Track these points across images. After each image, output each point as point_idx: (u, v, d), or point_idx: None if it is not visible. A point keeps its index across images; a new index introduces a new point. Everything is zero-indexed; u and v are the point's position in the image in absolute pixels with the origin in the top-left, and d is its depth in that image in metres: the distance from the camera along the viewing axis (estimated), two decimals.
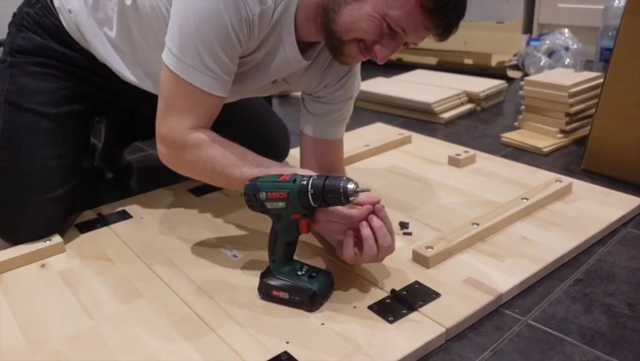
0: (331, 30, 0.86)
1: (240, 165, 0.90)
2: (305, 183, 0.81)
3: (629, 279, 0.95)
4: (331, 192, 0.80)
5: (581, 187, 1.24)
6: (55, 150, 1.08)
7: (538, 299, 0.91)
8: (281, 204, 0.83)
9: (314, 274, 0.87)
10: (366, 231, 0.83)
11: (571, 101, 1.49)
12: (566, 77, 1.58)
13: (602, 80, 1.51)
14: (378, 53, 0.85)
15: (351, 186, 0.80)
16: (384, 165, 1.41)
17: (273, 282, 0.87)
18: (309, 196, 0.81)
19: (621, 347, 0.80)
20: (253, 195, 0.85)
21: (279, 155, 1.40)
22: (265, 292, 0.88)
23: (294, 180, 0.82)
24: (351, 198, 0.80)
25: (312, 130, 1.05)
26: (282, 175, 0.84)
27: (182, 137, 0.90)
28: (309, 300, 0.85)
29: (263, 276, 0.88)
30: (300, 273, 0.87)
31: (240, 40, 0.86)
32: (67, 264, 1.02)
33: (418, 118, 1.84)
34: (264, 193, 0.84)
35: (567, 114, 1.52)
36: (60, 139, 1.09)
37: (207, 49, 0.85)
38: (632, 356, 0.78)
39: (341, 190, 0.79)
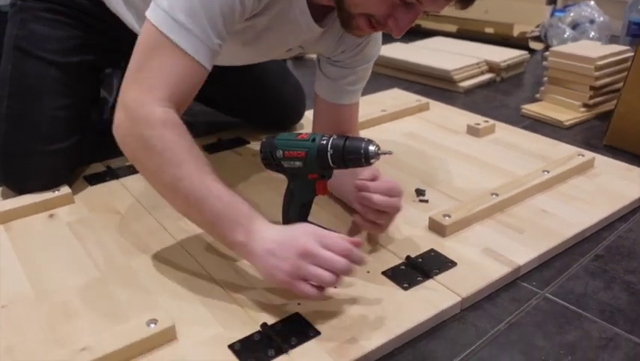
0: (340, 1, 0.78)
1: (202, 172, 0.74)
2: (324, 142, 0.78)
3: None
4: (352, 153, 0.77)
5: (603, 162, 1.20)
6: (62, 100, 1.04)
7: (556, 273, 0.88)
8: (298, 164, 0.80)
9: None
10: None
11: (597, 74, 1.44)
12: (593, 49, 1.52)
13: (630, 55, 1.47)
14: (394, 28, 0.77)
15: (372, 148, 0.77)
16: (401, 131, 1.37)
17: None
18: (329, 156, 0.78)
19: None
20: (270, 152, 0.82)
21: (294, 117, 1.37)
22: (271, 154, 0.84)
23: (313, 140, 0.79)
24: (372, 161, 0.77)
25: (327, 93, 1.01)
26: (300, 134, 0.81)
27: (151, 107, 0.73)
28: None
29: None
30: None
31: (244, 4, 0.76)
32: (76, 215, 1.01)
33: (436, 86, 1.80)
34: (281, 151, 0.81)
35: (592, 88, 1.47)
36: (68, 90, 1.05)
37: (205, 7, 0.73)
38: None
39: (362, 151, 0.76)
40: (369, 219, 0.85)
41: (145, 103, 0.73)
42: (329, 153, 0.78)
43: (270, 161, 0.82)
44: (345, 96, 1.01)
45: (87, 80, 1.11)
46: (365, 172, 0.84)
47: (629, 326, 0.78)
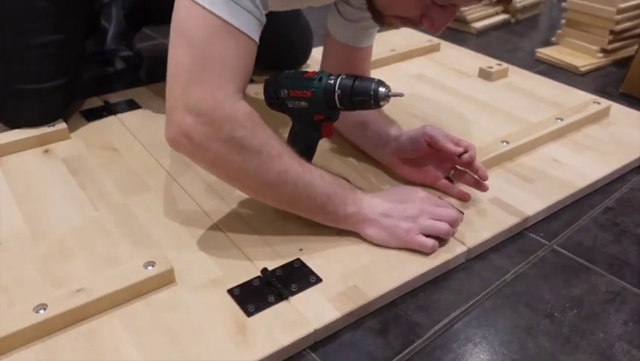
0: (370, 1, 0.75)
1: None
2: (332, 82, 0.74)
3: None
4: (360, 94, 0.73)
5: (619, 111, 1.16)
6: (53, 36, 0.99)
7: (565, 225, 0.86)
8: (303, 104, 0.76)
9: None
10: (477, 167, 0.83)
11: (618, 17, 1.37)
12: None
13: None
14: (430, 27, 0.73)
15: (382, 89, 0.72)
16: (410, 72, 1.32)
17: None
18: (336, 97, 0.74)
19: None
20: (273, 91, 0.78)
21: (299, 59, 1.31)
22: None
23: (320, 79, 0.75)
24: (381, 103, 0.73)
25: (341, 34, 0.94)
26: (306, 72, 0.77)
27: (231, 104, 0.65)
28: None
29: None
30: None
31: None
32: (72, 151, 0.98)
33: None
34: (286, 90, 0.76)
35: (611, 32, 1.40)
36: (58, 24, 0.99)
37: None
38: None
39: (371, 93, 0.72)
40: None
41: (223, 102, 0.65)
42: (336, 94, 0.73)
43: (274, 100, 0.78)
44: (361, 39, 0.95)
45: (79, 12, 1.05)
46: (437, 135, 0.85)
47: (637, 281, 0.76)
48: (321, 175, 0.73)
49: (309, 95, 0.75)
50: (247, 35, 0.66)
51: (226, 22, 0.63)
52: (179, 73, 0.65)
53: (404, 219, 0.75)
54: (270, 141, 0.68)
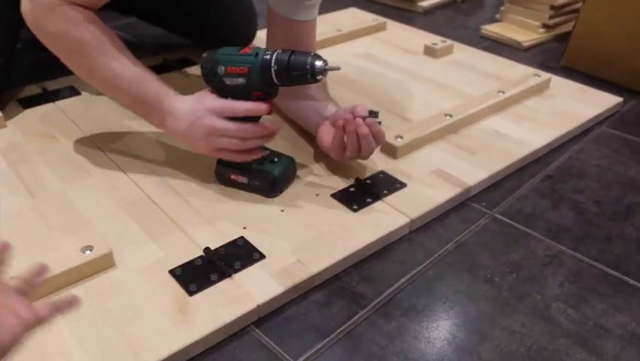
0: None
1: (114, 57, 0.77)
2: (268, 57, 0.73)
3: (598, 177, 0.93)
4: (297, 68, 0.72)
5: (559, 83, 1.19)
6: None
7: (506, 194, 0.88)
8: (241, 80, 0.75)
9: (275, 159, 0.82)
10: (363, 130, 0.79)
11: None
12: None
13: None
14: None
15: (319, 63, 0.72)
16: (356, 51, 1.32)
17: (232, 165, 0.81)
18: (272, 72, 0.73)
19: (586, 243, 0.79)
20: (211, 68, 0.76)
21: (245, 36, 1.29)
22: (223, 175, 0.83)
23: (256, 54, 0.74)
24: (318, 77, 0.72)
25: (283, 7, 0.93)
26: (242, 48, 0.76)
27: (55, 5, 0.74)
28: (270, 185, 0.81)
29: (220, 159, 0.82)
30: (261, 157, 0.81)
31: None
32: (8, 139, 0.94)
33: (394, 5, 1.73)
34: (223, 67, 0.75)
35: (552, 7, 1.43)
36: None
37: None
38: (596, 252, 0.77)
39: (308, 67, 0.72)
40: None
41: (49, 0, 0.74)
42: (272, 69, 0.73)
43: (212, 77, 0.77)
44: (301, 11, 0.94)
45: None
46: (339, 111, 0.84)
47: (574, 244, 0.78)
48: (128, 81, 0.78)
49: (245, 72, 0.74)
50: None
51: None
52: None
53: (199, 139, 0.77)
54: (83, 40, 0.76)
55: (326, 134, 0.85)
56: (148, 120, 0.81)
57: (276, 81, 0.74)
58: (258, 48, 0.74)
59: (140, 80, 0.78)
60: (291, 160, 0.85)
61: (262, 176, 0.80)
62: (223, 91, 0.77)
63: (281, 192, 0.82)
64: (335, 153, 0.83)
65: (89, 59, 0.77)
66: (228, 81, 0.76)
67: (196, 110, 0.77)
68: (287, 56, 0.72)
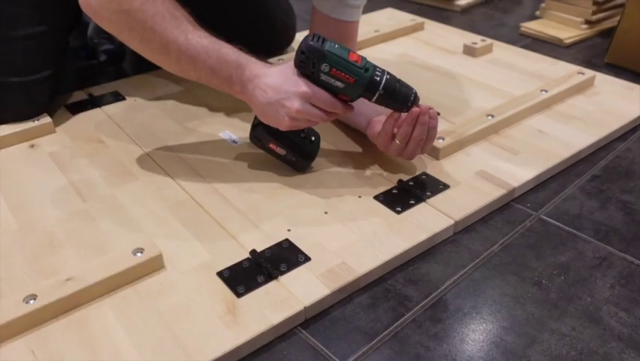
0: None
1: (188, 29, 0.76)
2: (378, 78, 0.74)
3: None
4: (400, 100, 0.77)
5: (604, 81, 1.16)
6: (37, 28, 0.98)
7: (552, 195, 0.87)
8: (340, 85, 0.74)
9: (313, 138, 0.87)
10: (434, 122, 0.80)
11: None
12: None
13: None
14: None
15: (418, 97, 0.77)
16: (395, 52, 1.32)
17: (275, 135, 0.82)
18: (377, 93, 0.75)
19: (636, 244, 0.77)
20: (313, 61, 0.73)
21: (283, 42, 1.31)
22: (262, 140, 0.83)
23: (367, 69, 0.74)
24: (411, 109, 0.77)
25: (328, 8, 0.93)
26: (350, 52, 0.74)
27: None
28: (305, 164, 0.87)
29: (262, 124, 0.81)
30: (302, 135, 0.85)
31: None
32: (58, 145, 0.97)
33: (431, 5, 1.72)
34: (328, 66, 0.73)
35: (594, 2, 1.40)
36: (42, 16, 0.99)
37: None
38: None
39: (411, 99, 0.77)
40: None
41: None
42: (378, 92, 0.75)
43: (308, 67, 0.74)
44: (347, 11, 0.94)
45: (63, 4, 1.04)
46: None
47: (624, 245, 0.77)
48: (206, 50, 0.76)
49: (351, 82, 0.74)
50: None
51: None
52: None
53: (283, 108, 0.75)
54: (156, 15, 0.74)
55: (379, 123, 0.85)
56: (226, 90, 0.79)
57: (372, 100, 0.76)
58: (368, 62, 0.75)
59: (217, 49, 0.77)
60: (319, 139, 0.89)
61: (301, 154, 0.85)
62: (313, 81, 0.75)
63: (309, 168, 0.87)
64: (382, 140, 0.83)
65: (165, 33, 0.75)
66: (325, 78, 0.74)
67: (285, 90, 0.75)
68: (395, 84, 0.76)
